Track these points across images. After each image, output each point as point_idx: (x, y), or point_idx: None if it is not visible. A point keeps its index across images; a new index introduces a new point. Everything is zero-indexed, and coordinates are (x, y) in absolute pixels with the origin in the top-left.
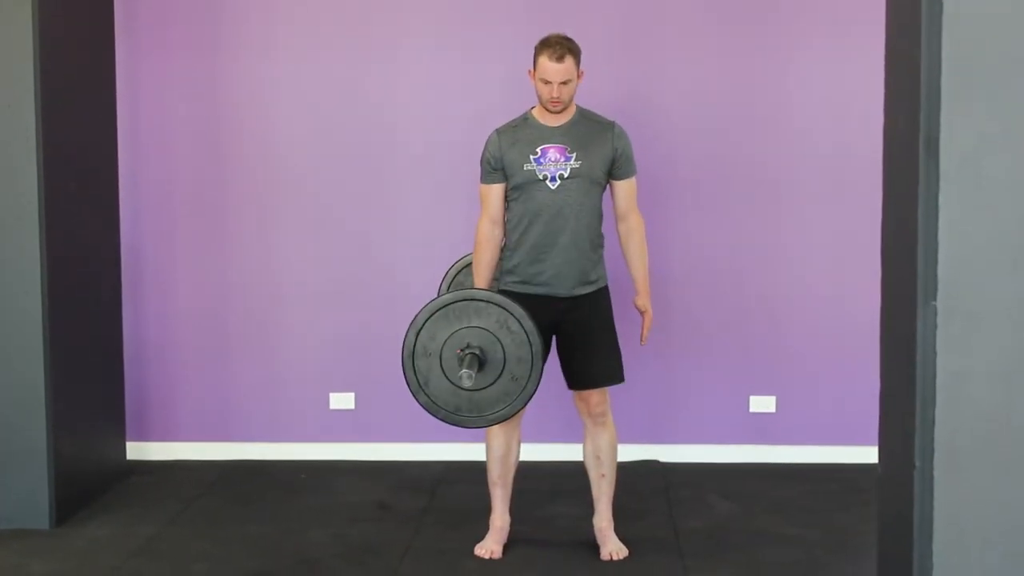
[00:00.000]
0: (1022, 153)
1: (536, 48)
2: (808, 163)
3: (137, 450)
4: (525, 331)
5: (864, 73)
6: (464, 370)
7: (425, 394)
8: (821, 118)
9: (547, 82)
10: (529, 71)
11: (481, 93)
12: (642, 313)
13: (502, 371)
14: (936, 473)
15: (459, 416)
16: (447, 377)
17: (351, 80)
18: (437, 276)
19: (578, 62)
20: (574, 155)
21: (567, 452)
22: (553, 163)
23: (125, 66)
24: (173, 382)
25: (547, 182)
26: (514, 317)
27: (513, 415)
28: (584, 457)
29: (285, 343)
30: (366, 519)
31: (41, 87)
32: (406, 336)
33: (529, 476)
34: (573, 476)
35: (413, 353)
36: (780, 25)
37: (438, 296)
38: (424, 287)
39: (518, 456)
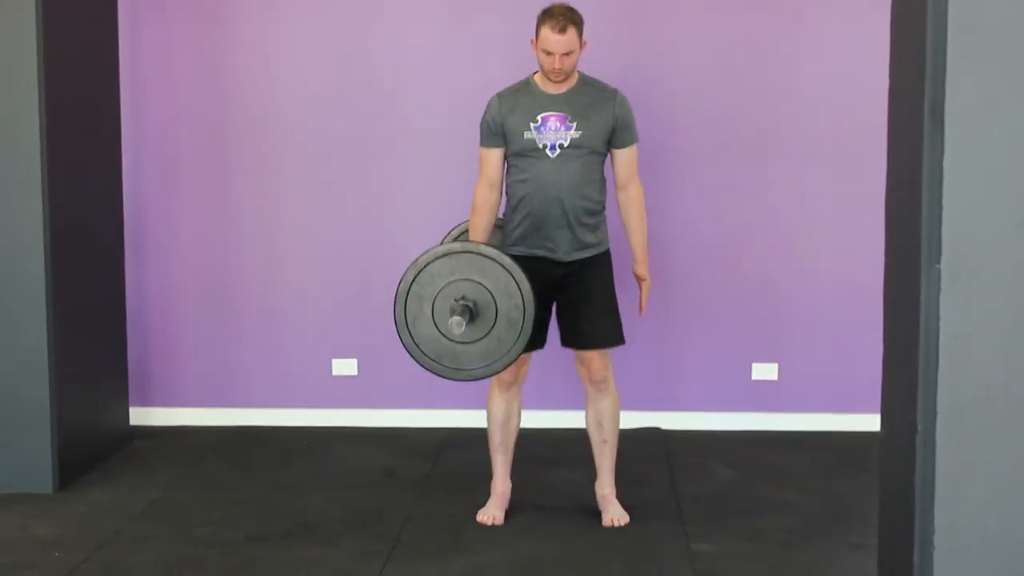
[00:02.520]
0: None
1: (538, 18)
2: (811, 128)
3: (140, 415)
4: (523, 296)
5: (869, 36)
6: (455, 317)
7: (410, 334)
8: (824, 82)
9: (549, 53)
10: (531, 40)
11: (485, 58)
12: (640, 281)
13: (489, 331)
14: (938, 436)
15: (437, 364)
16: (435, 323)
17: (355, 40)
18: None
19: (580, 33)
20: (574, 124)
21: (569, 419)
22: (553, 132)
23: (127, 24)
24: (176, 347)
25: (547, 151)
26: (514, 281)
27: (489, 376)
28: (586, 423)
29: (288, 309)
30: (368, 485)
31: (43, 47)
32: (405, 273)
33: (531, 443)
34: (575, 442)
35: (408, 291)
36: None
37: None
38: None
39: (519, 422)
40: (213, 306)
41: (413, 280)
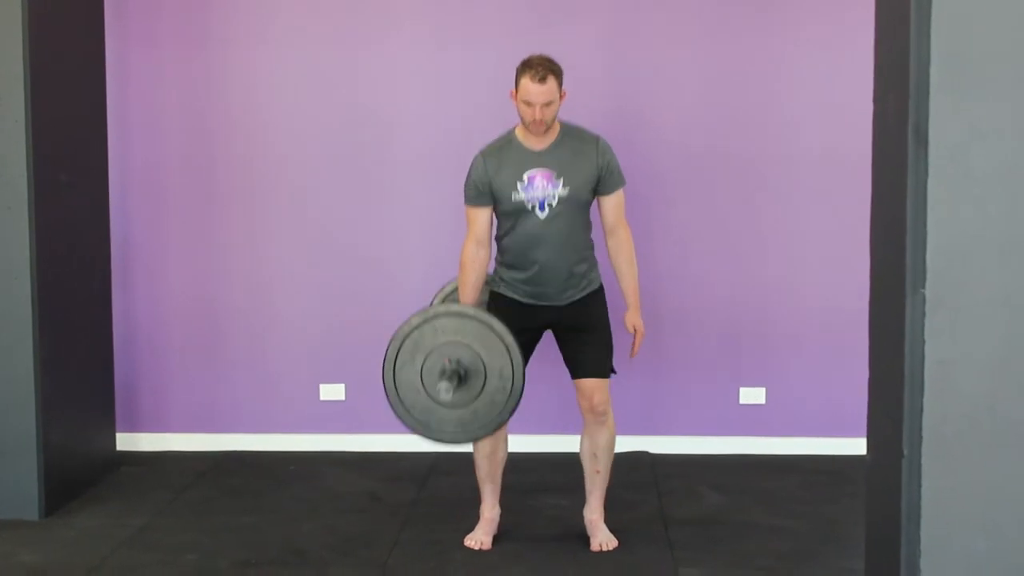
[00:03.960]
0: (1010, 144)
1: (518, 69)
2: (797, 155)
3: (127, 441)
4: (513, 383)
5: (854, 64)
6: (444, 382)
7: (393, 375)
8: (810, 111)
9: (529, 104)
10: (511, 92)
11: (475, 85)
12: (633, 330)
13: (470, 403)
14: (924, 461)
15: (408, 414)
16: (422, 374)
17: (342, 71)
18: (427, 268)
19: (560, 83)
20: (561, 180)
21: (558, 443)
22: (541, 190)
23: (115, 55)
24: (163, 373)
25: (536, 211)
26: (512, 365)
27: (453, 443)
28: (581, 451)
29: (275, 334)
30: (356, 510)
31: (31, 76)
32: (411, 318)
33: (519, 467)
34: (563, 467)
35: (407, 336)
36: (769, 17)
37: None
38: (414, 279)
39: (506, 453)
40: (201, 332)
41: (416, 327)
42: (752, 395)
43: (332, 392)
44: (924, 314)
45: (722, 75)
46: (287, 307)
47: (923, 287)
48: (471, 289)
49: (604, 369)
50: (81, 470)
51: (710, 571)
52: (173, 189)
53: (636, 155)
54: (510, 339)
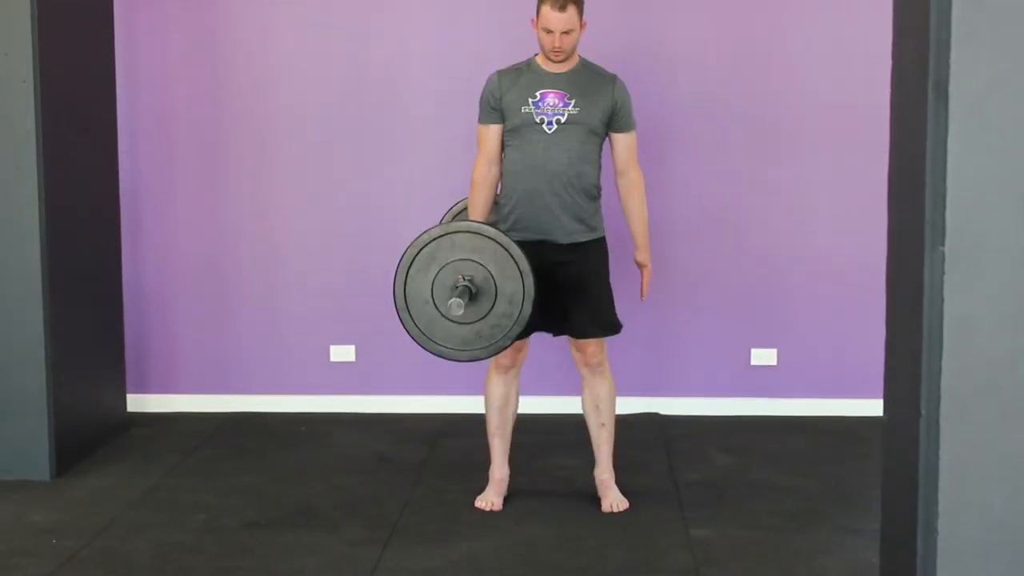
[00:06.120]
0: None
1: None
2: (811, 110)
3: (137, 402)
4: (521, 310)
5: (871, 14)
6: (456, 299)
7: (405, 283)
8: (825, 62)
9: (549, 31)
10: (532, 20)
11: (484, 33)
12: (641, 268)
13: (475, 321)
14: (942, 420)
15: (412, 322)
16: (432, 286)
17: (352, 25)
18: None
19: (581, 12)
20: (572, 101)
21: (566, 404)
22: (551, 107)
23: (122, 7)
24: (173, 334)
25: (543, 126)
26: (523, 291)
27: (452, 360)
28: (583, 407)
29: (286, 295)
30: (366, 471)
31: (38, 33)
32: (431, 229)
33: (528, 428)
34: (572, 428)
35: (426, 246)
36: None
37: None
38: None
39: (517, 407)
40: (210, 292)
41: (435, 239)
42: (763, 356)
43: (342, 353)
44: (943, 271)
45: (736, 24)
46: (297, 268)
47: (942, 244)
48: (482, 207)
49: (601, 329)
50: (91, 431)
51: (720, 532)
52: (181, 148)
53: (646, 109)
54: (525, 265)
